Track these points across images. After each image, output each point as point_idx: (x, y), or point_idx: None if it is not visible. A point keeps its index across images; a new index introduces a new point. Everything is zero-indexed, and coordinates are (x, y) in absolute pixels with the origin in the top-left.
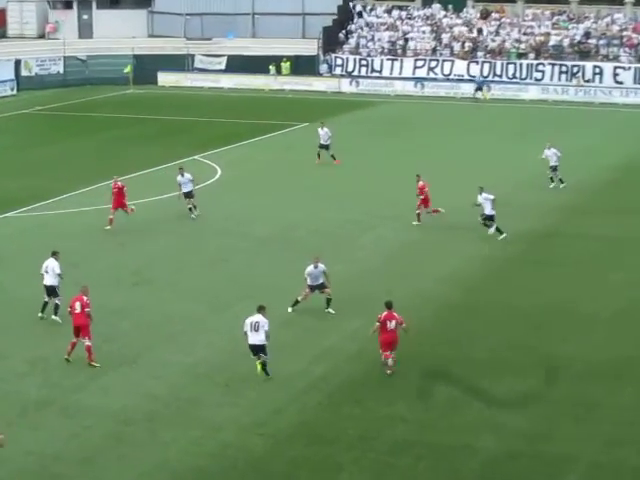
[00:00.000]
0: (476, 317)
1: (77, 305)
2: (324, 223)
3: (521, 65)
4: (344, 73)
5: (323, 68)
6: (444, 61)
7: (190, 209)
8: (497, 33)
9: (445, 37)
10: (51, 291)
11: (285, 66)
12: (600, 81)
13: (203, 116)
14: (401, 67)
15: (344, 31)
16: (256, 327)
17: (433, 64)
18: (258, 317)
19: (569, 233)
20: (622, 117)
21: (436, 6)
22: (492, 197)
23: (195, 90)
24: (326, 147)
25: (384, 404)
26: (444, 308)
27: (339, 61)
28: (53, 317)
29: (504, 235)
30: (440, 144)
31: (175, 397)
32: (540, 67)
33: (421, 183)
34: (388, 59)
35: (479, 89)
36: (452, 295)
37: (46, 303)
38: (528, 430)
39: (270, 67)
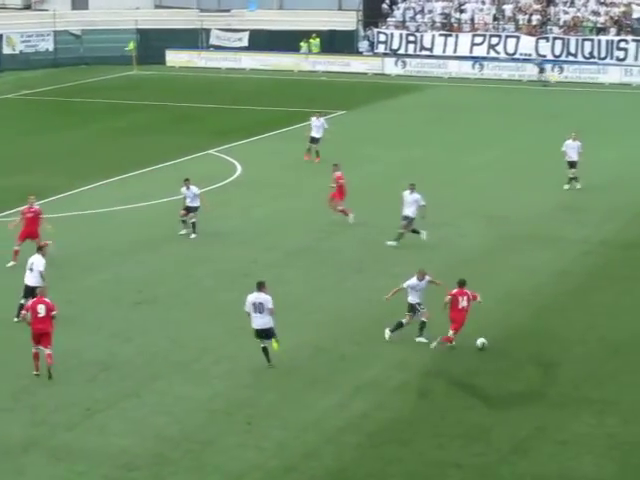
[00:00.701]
0: (548, 342)
1: (41, 308)
2: (364, 230)
3: (599, 42)
4: (388, 51)
5: (363, 45)
6: (508, 37)
7: (192, 224)
8: (571, 3)
9: (508, 8)
10: (30, 292)
11: (314, 43)
12: None
13: (220, 102)
14: (456, 44)
15: (388, 1)
16: (260, 308)
17: (494, 41)
18: (259, 296)
19: None
20: None
21: None
22: (423, 203)
23: (211, 71)
24: (317, 140)
25: (435, 446)
26: (508, 332)
27: (382, 37)
28: (15, 320)
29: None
30: (502, 136)
31: (186, 438)
32: (622, 44)
33: (338, 173)
34: (441, 35)
35: (542, 70)
36: (518, 316)
37: (22, 305)
38: None
39: (301, 44)
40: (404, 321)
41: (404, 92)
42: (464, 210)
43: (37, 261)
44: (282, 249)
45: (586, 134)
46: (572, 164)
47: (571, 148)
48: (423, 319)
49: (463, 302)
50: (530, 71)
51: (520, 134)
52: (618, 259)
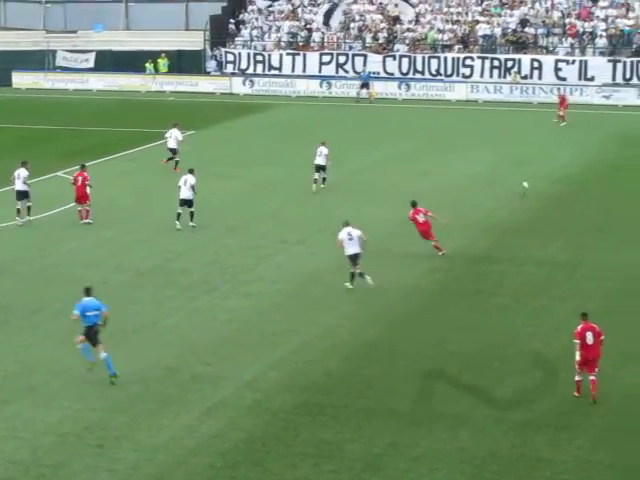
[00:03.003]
0: (398, 359)
1: None
2: (212, 251)
3: (446, 59)
4: (236, 71)
5: (211, 65)
6: (355, 56)
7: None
8: (417, 21)
9: (355, 27)
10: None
11: (162, 63)
12: (539, 77)
13: (67, 124)
14: (304, 63)
15: (235, 20)
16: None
17: (342, 59)
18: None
19: (505, 258)
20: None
21: None
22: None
23: (58, 93)
24: (174, 151)
25: (288, 465)
26: (360, 349)
27: (230, 57)
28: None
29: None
30: (349, 154)
31: (36, 462)
32: (468, 61)
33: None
34: (288, 54)
35: (365, 86)
36: (369, 333)
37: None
38: None
39: (146, 65)
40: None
41: (253, 111)
42: (315, 228)
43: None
44: (132, 270)
45: (434, 150)
46: (320, 167)
47: (318, 155)
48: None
49: (589, 338)
50: (377, 88)
51: (368, 151)
52: (466, 274)
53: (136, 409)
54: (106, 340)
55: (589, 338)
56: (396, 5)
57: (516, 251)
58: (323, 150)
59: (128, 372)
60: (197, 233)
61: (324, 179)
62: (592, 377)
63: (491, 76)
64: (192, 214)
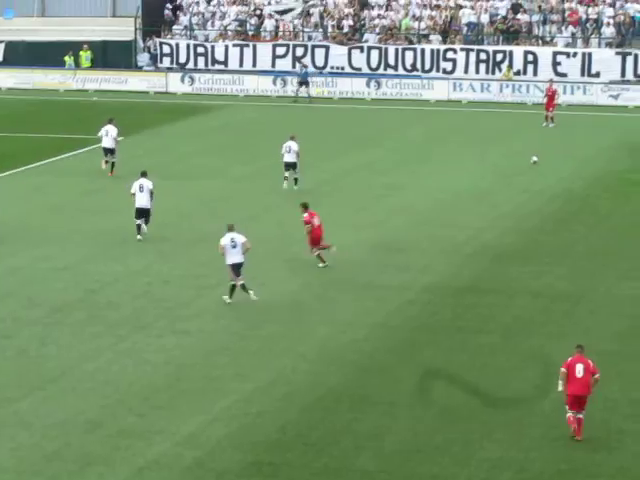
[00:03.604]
0: (367, 410)
1: None
2: (144, 281)
3: (423, 52)
4: (173, 66)
5: (143, 59)
6: (315, 47)
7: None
8: (388, 7)
9: (315, 12)
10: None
11: (85, 56)
12: (534, 73)
13: None
14: (254, 56)
15: (172, 5)
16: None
17: (300, 52)
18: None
19: (494, 288)
20: (565, 122)
21: None
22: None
23: None
24: (110, 151)
25: None
26: (321, 398)
27: (166, 48)
28: None
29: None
30: (309, 163)
31: None
32: (450, 54)
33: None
34: (236, 45)
35: (304, 83)
36: (332, 379)
37: None
38: None
39: (66, 58)
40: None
41: (193, 114)
42: (266, 252)
43: None
44: (48, 304)
45: (410, 160)
46: (291, 165)
47: (287, 151)
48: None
49: (579, 371)
50: (341, 86)
51: (329, 160)
52: (447, 308)
53: (52, 470)
54: (15, 389)
55: (579, 370)
56: None
57: (507, 280)
58: (292, 146)
59: (44, 427)
60: (126, 259)
61: (296, 179)
62: (579, 415)
63: (477, 72)
64: (146, 222)
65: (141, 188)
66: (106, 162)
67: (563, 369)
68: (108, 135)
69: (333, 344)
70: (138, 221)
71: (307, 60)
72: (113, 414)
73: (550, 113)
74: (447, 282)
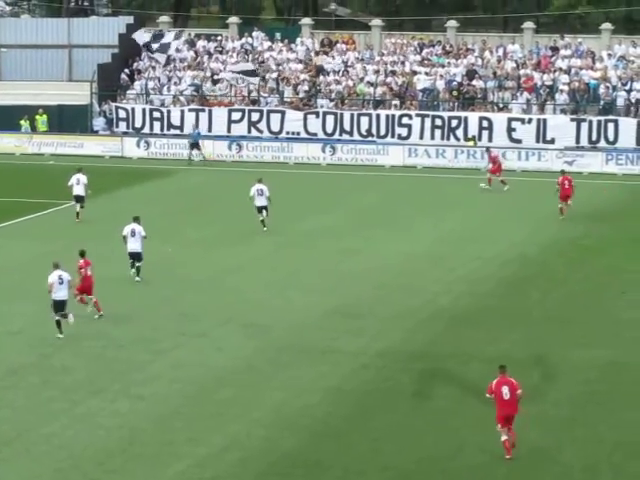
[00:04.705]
0: (323, 475)
1: None
2: (98, 344)
3: (378, 117)
4: (129, 130)
5: (99, 123)
6: (271, 112)
7: None
8: (345, 72)
9: (271, 78)
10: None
11: (41, 120)
12: (489, 139)
13: None
14: (210, 121)
15: (128, 70)
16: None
17: (255, 117)
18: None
19: (449, 353)
20: (519, 188)
21: (257, 34)
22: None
23: None
24: (81, 199)
25: None
26: (276, 463)
27: (122, 113)
28: None
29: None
30: (261, 229)
31: None
32: (405, 120)
33: None
34: (191, 110)
35: (195, 146)
36: (286, 444)
37: None
38: None
39: (22, 122)
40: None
41: (149, 178)
42: (221, 318)
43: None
44: (1, 367)
45: (365, 225)
46: (263, 208)
47: (259, 194)
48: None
49: (505, 393)
50: (297, 151)
51: (285, 226)
52: (402, 373)
53: None
54: None
55: (505, 393)
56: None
57: (462, 346)
58: (263, 189)
59: None
60: (80, 323)
61: (263, 221)
62: (510, 432)
63: (432, 137)
64: (139, 269)
65: (133, 232)
66: (81, 207)
67: (488, 395)
68: (80, 183)
69: (287, 409)
70: (137, 264)
71: (263, 125)
72: (67, 479)
73: (498, 177)
74: (402, 347)
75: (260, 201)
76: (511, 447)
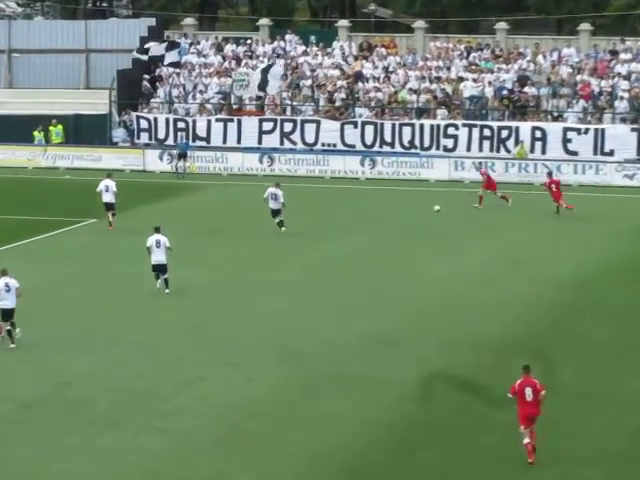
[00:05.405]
0: None
1: None
2: (118, 375)
3: (422, 128)
4: (151, 142)
5: (118, 134)
6: (305, 122)
7: None
8: (385, 78)
9: (306, 85)
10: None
11: (55, 131)
12: (543, 151)
13: None
14: (239, 132)
15: (150, 77)
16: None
17: (288, 127)
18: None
19: (499, 384)
20: (575, 205)
21: (290, 37)
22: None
23: None
24: (111, 206)
25: None
26: None
27: (144, 123)
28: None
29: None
30: (298, 249)
31: None
32: (451, 130)
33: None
34: (219, 120)
35: (182, 156)
36: None
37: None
38: None
39: (35, 133)
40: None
41: (172, 194)
42: (252, 345)
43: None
44: (14, 399)
45: (406, 245)
46: (277, 212)
47: (272, 199)
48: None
49: (529, 394)
50: (333, 165)
51: (320, 245)
52: (445, 406)
53: None
54: None
55: (528, 394)
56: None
57: (512, 376)
58: (277, 193)
59: None
60: (98, 350)
61: (281, 222)
62: (531, 431)
63: (481, 149)
64: (166, 281)
65: (158, 244)
66: (113, 215)
67: (510, 396)
68: (109, 190)
69: (322, 444)
70: (164, 276)
71: (296, 136)
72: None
73: (498, 193)
74: (445, 377)
75: (274, 205)
76: (533, 451)
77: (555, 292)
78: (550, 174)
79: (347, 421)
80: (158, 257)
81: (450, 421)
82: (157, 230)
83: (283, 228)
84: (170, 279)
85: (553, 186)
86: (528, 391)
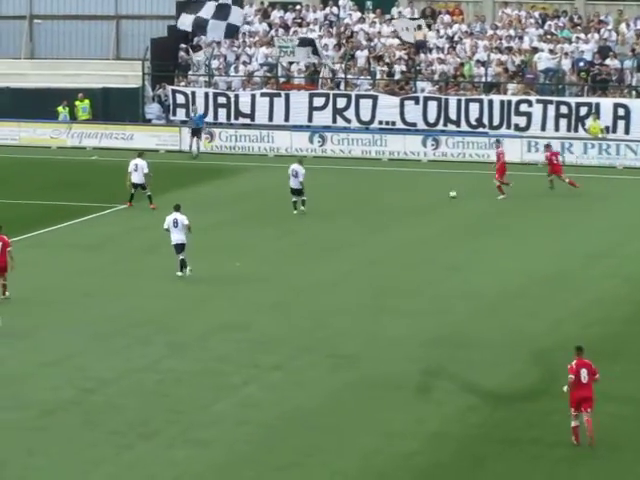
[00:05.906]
0: None
1: None
2: (152, 378)
3: (491, 104)
4: (189, 119)
5: (152, 110)
6: (361, 98)
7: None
8: (451, 49)
9: (361, 56)
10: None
11: (82, 106)
12: (626, 131)
13: None
14: (287, 108)
15: (188, 46)
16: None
17: (341, 102)
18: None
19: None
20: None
21: (345, 3)
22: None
23: None
24: (142, 187)
25: None
26: None
27: (180, 98)
28: None
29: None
30: (349, 240)
31: None
32: (524, 107)
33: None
34: (264, 94)
35: (196, 132)
36: None
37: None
38: None
39: (59, 109)
40: None
41: (212, 177)
42: (300, 347)
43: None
44: (35, 405)
45: (472, 236)
46: (297, 191)
47: (293, 176)
48: None
49: (584, 376)
50: (392, 145)
51: (375, 235)
52: (517, 416)
53: None
54: None
55: (584, 376)
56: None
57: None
58: (299, 170)
59: None
60: (130, 352)
61: (304, 201)
62: (586, 417)
63: (557, 129)
64: (184, 262)
65: (175, 223)
66: (131, 202)
67: (572, 376)
68: (138, 170)
69: (378, 458)
70: (181, 256)
71: (351, 113)
72: None
73: (504, 180)
74: (516, 384)
75: (294, 183)
76: (590, 434)
77: (638, 289)
78: (549, 146)
79: (407, 433)
80: (177, 236)
81: (522, 434)
82: (177, 209)
83: (302, 207)
84: (210, 271)
85: (554, 158)
86: (584, 372)
